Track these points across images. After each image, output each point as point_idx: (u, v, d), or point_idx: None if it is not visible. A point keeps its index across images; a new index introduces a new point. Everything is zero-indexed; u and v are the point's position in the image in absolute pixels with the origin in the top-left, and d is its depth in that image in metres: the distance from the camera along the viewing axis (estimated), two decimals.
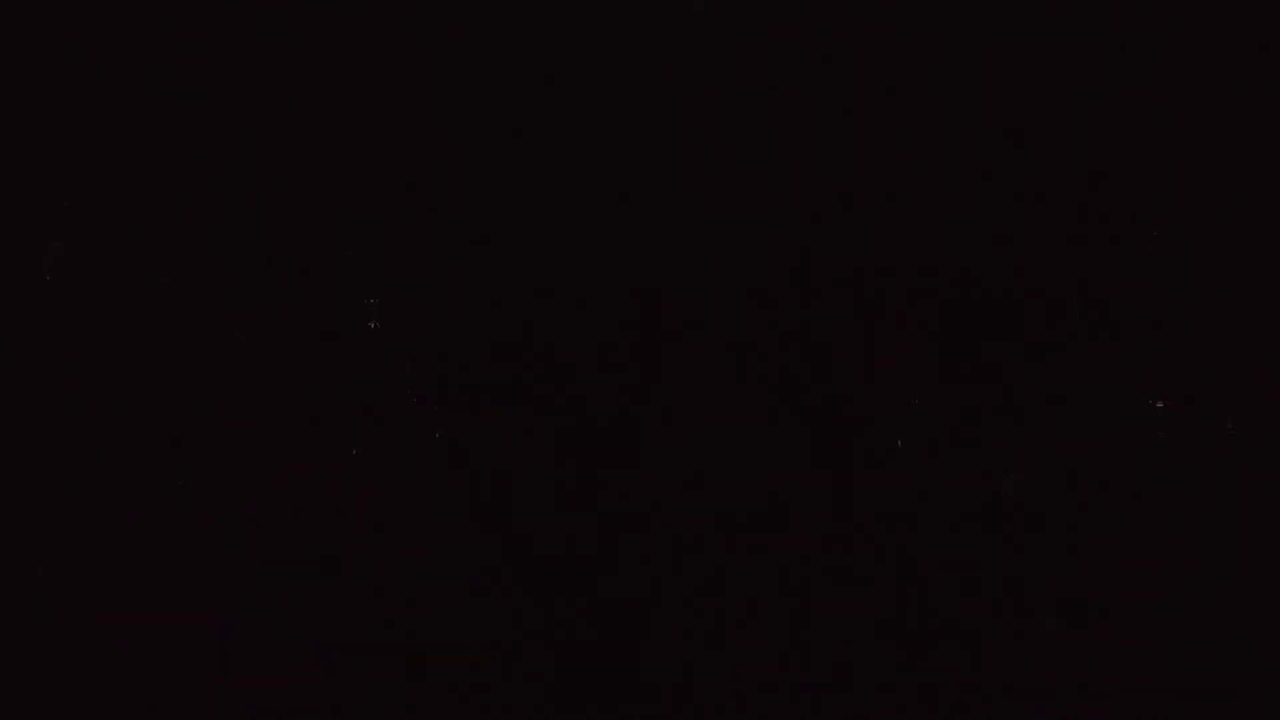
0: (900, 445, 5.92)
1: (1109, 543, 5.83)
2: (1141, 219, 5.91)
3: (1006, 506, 5.82)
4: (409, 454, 5.95)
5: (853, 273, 5.95)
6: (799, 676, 5.73)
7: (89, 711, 5.69)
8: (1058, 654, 5.74)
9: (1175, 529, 5.79)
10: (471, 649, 5.83)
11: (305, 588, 5.86)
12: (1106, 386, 5.85)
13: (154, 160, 6.03)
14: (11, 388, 5.89)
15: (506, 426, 5.88)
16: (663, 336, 5.94)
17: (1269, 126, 5.88)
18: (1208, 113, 5.91)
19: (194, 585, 5.85)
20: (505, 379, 5.93)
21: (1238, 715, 5.66)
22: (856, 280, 5.95)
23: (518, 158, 6.03)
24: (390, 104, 6.06)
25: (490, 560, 5.84)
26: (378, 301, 6.01)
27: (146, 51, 6.02)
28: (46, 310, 5.93)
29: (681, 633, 5.75)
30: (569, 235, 5.98)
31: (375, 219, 6.04)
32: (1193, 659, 5.73)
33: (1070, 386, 5.86)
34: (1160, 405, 5.82)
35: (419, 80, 6.07)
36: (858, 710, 5.73)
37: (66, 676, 5.74)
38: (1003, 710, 5.75)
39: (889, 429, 5.90)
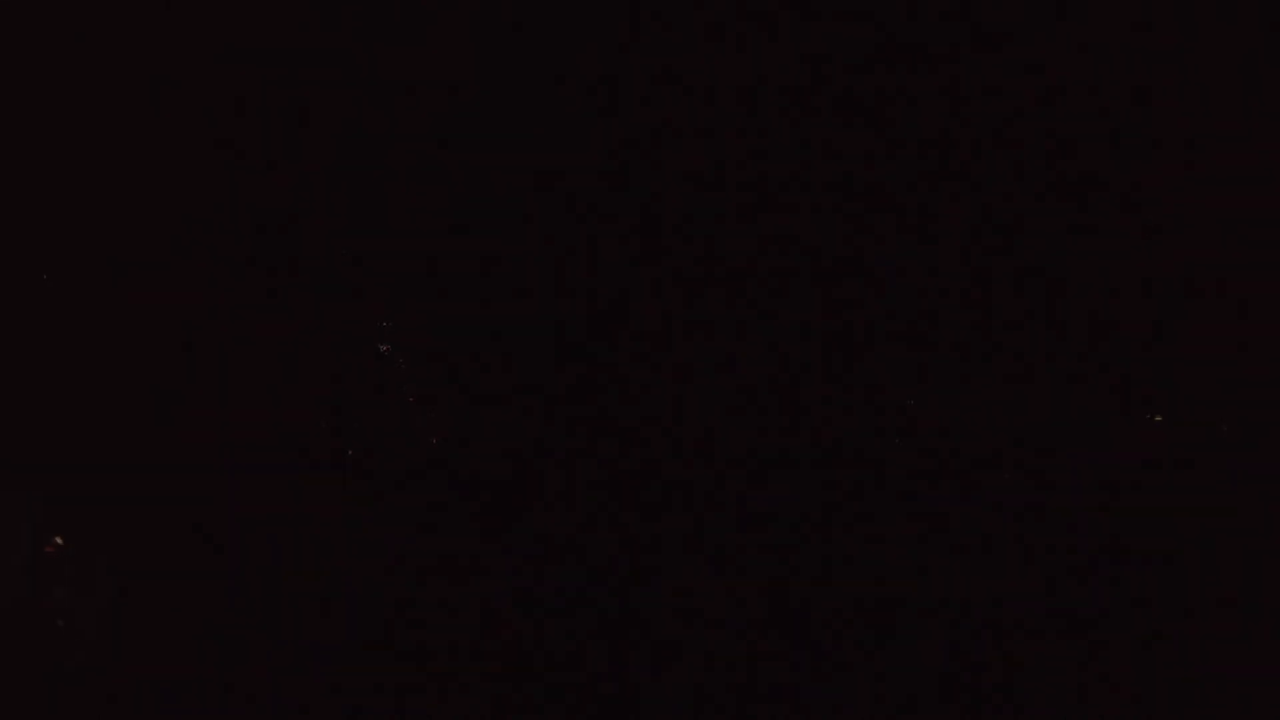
0: (899, 446, 5.94)
1: (1109, 549, 5.85)
2: (1136, 237, 5.92)
3: (1006, 518, 5.84)
4: (405, 454, 5.97)
5: (850, 277, 5.96)
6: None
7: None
8: (1055, 660, 5.76)
9: (1175, 535, 5.81)
10: (466, 646, 5.84)
11: (300, 584, 5.88)
12: (1105, 402, 5.86)
13: (166, 170, 6.06)
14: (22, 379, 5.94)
15: (502, 430, 5.90)
16: (657, 343, 5.94)
17: (1264, 142, 5.88)
18: (1204, 129, 5.90)
19: (192, 581, 5.87)
20: (505, 383, 5.94)
21: (1239, 714, 5.69)
22: (855, 285, 5.96)
23: (518, 164, 6.04)
24: (393, 109, 6.07)
25: (484, 559, 5.85)
26: (380, 306, 6.04)
27: (156, 60, 6.04)
28: (57, 309, 5.97)
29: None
30: (566, 240, 5.99)
31: (378, 222, 6.06)
32: (1193, 661, 5.74)
33: (1070, 399, 5.87)
34: (1159, 419, 5.85)
35: (420, 87, 6.09)
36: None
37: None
38: (1000, 709, 5.77)
39: (887, 435, 5.91)
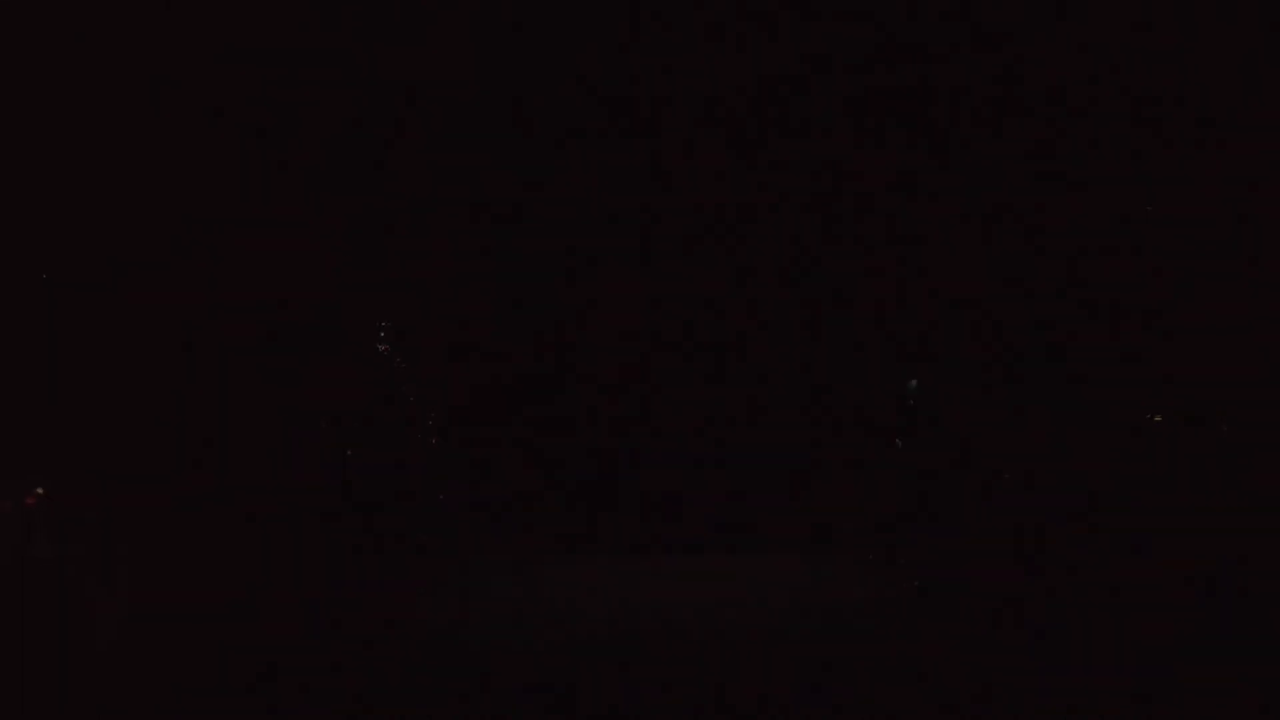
0: (899, 446, 5.93)
1: (1109, 549, 5.84)
2: (1136, 237, 5.91)
3: (1005, 518, 5.83)
4: (405, 454, 5.96)
5: (851, 280, 5.96)
6: None
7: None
8: (1055, 658, 5.75)
9: (1175, 534, 5.80)
10: (464, 645, 5.83)
11: (299, 583, 5.87)
12: (1104, 401, 5.86)
13: (166, 170, 6.05)
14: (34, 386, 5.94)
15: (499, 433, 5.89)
16: (657, 345, 5.94)
17: (1264, 142, 5.86)
18: (1204, 129, 5.89)
19: (191, 580, 5.86)
20: (504, 384, 5.94)
21: (1239, 714, 5.68)
22: (856, 287, 5.95)
23: (517, 164, 6.03)
24: (393, 109, 6.07)
25: (484, 558, 5.84)
26: (380, 306, 6.04)
27: (156, 60, 6.02)
28: (68, 317, 5.97)
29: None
30: (567, 240, 5.98)
31: (378, 222, 6.05)
32: (1193, 660, 5.73)
33: (1070, 400, 5.87)
34: (1159, 419, 5.85)
35: (421, 87, 6.07)
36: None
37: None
38: (1000, 708, 5.77)
39: (886, 434, 5.91)
